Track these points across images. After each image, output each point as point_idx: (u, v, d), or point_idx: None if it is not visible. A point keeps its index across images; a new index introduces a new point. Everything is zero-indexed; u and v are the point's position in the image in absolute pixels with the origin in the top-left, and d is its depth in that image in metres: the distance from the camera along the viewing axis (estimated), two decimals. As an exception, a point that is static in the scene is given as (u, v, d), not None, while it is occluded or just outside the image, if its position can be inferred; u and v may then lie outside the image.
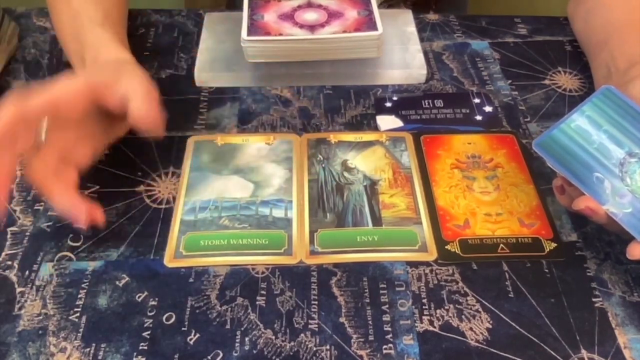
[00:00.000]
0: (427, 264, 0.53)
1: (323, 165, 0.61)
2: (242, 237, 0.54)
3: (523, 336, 0.48)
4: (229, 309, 0.49)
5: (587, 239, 0.55)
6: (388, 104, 0.68)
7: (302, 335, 0.48)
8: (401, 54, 0.72)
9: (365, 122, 0.66)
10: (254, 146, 0.62)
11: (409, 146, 0.63)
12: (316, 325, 0.48)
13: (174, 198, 0.57)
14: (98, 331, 0.48)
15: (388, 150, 0.62)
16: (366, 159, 0.61)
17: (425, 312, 0.49)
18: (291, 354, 0.47)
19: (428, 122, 0.65)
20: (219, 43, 0.73)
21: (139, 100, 0.53)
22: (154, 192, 0.58)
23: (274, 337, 0.48)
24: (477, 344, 0.47)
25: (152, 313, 0.49)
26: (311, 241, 0.54)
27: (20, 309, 0.49)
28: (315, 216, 0.56)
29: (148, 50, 0.75)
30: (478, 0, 1.15)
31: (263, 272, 0.52)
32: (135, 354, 0.46)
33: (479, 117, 0.66)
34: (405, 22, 0.76)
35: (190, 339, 0.47)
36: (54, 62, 0.73)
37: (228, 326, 0.48)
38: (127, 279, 0.51)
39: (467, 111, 0.67)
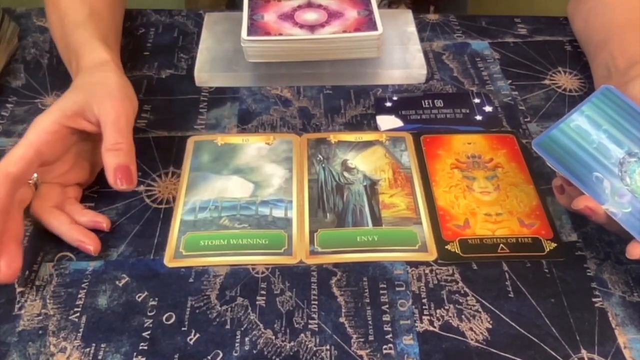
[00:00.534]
0: (427, 264, 0.53)
1: (323, 165, 0.61)
2: (242, 237, 0.54)
3: (523, 336, 0.48)
4: (229, 309, 0.49)
5: (587, 239, 0.55)
6: (388, 104, 0.68)
7: (302, 335, 0.48)
8: (401, 54, 0.72)
9: (365, 122, 0.66)
10: (254, 146, 0.62)
11: (409, 146, 0.63)
12: (316, 325, 0.48)
13: (174, 198, 0.57)
14: (98, 331, 0.48)
15: (388, 150, 0.62)
16: (366, 159, 0.61)
17: (425, 312, 0.49)
18: (291, 354, 0.47)
19: (428, 122, 0.65)
20: (219, 43, 0.73)
21: (108, 130, 0.53)
22: (154, 192, 0.58)
23: (274, 337, 0.48)
24: (477, 344, 0.47)
25: (152, 313, 0.49)
26: (311, 241, 0.54)
27: (20, 309, 0.49)
28: (315, 216, 0.56)
29: (148, 50, 0.75)
30: (478, 0, 1.15)
31: (263, 272, 0.52)
32: (135, 354, 0.46)
33: (479, 117, 0.66)
34: (405, 22, 0.77)
35: (190, 339, 0.47)
36: (54, 62, 0.73)
37: (228, 326, 0.48)
38: (127, 279, 0.51)
39: (467, 111, 0.67)
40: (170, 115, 0.66)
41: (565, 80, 0.71)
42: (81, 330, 0.48)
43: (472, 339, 0.48)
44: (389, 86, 0.70)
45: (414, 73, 0.70)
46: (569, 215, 0.56)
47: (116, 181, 0.52)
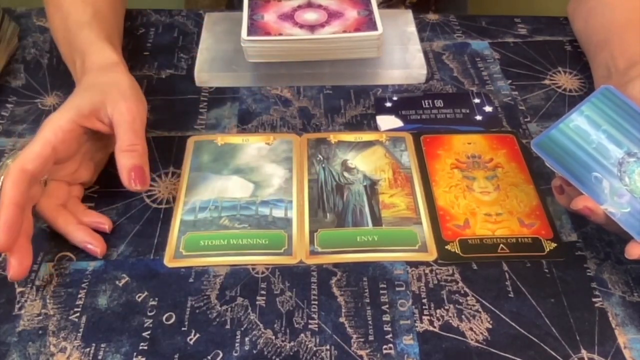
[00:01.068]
0: (427, 264, 0.53)
1: (323, 165, 0.61)
2: (242, 237, 0.54)
3: (523, 336, 0.48)
4: (229, 309, 0.49)
5: (587, 239, 0.55)
6: (388, 104, 0.68)
7: (302, 335, 0.48)
8: (401, 54, 0.72)
9: (365, 122, 0.66)
10: (254, 146, 0.62)
11: (409, 146, 0.63)
12: (316, 325, 0.48)
13: (174, 198, 0.58)
14: (98, 331, 0.48)
15: (388, 150, 0.62)
16: (366, 159, 0.61)
17: (425, 312, 0.49)
18: (291, 354, 0.47)
19: (428, 122, 0.66)
20: (219, 43, 0.73)
21: (123, 131, 0.53)
22: (153, 192, 0.58)
23: (274, 337, 0.48)
24: (477, 344, 0.47)
25: (152, 313, 0.49)
26: (311, 241, 0.54)
27: (20, 309, 0.49)
28: (315, 216, 0.56)
29: (148, 50, 0.75)
30: (478, 0, 1.15)
31: (263, 272, 0.52)
32: (135, 354, 0.46)
33: (479, 117, 0.66)
34: (405, 22, 0.76)
35: (190, 339, 0.47)
36: (54, 62, 0.73)
37: (228, 326, 0.48)
38: (127, 278, 0.51)
39: (467, 111, 0.67)
40: (170, 115, 0.66)
41: (565, 80, 0.71)
42: (81, 330, 0.48)
43: (472, 339, 0.48)
44: (389, 86, 0.70)
45: (414, 73, 0.70)
46: (569, 215, 0.56)
47: (130, 182, 0.52)
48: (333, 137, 0.63)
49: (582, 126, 0.50)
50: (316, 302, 0.50)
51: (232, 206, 0.57)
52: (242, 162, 0.61)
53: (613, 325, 0.49)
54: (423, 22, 0.80)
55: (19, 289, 0.50)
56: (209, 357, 0.46)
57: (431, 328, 0.48)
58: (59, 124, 0.51)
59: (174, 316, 0.49)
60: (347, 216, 0.56)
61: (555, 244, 0.54)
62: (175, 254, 0.53)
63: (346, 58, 0.69)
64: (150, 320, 0.49)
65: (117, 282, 0.51)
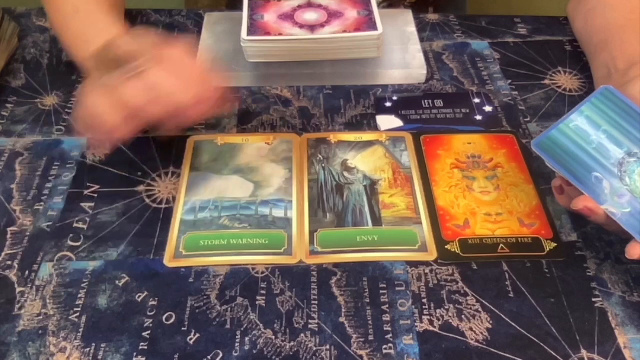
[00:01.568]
0: (427, 263, 0.53)
1: (323, 165, 0.61)
2: (242, 237, 0.54)
3: (523, 336, 0.48)
4: (229, 309, 0.49)
5: (587, 239, 0.55)
6: (388, 104, 0.68)
7: (302, 335, 0.48)
8: (401, 54, 0.72)
9: (365, 122, 0.66)
10: (254, 146, 0.62)
11: (409, 146, 0.63)
12: (316, 325, 0.48)
13: (174, 198, 0.57)
14: (98, 331, 0.48)
15: (388, 150, 0.62)
16: (366, 159, 0.61)
17: (425, 312, 0.49)
18: (291, 354, 0.47)
19: (428, 122, 0.65)
20: (219, 43, 0.73)
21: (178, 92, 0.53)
22: (154, 192, 0.58)
23: (274, 337, 0.48)
24: (477, 344, 0.47)
25: (152, 313, 0.49)
26: (311, 241, 0.54)
27: (20, 309, 0.49)
28: (315, 216, 0.56)
29: (148, 50, 0.75)
30: (478, 0, 1.15)
31: (263, 272, 0.52)
32: (135, 354, 0.46)
33: (479, 117, 0.66)
34: (405, 22, 0.76)
35: (190, 339, 0.47)
36: (54, 62, 0.73)
37: (228, 326, 0.48)
38: (127, 278, 0.51)
39: (467, 111, 0.67)
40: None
41: (565, 80, 0.71)
42: (81, 330, 0.48)
43: (472, 339, 0.48)
44: (389, 86, 0.70)
45: (414, 73, 0.70)
46: (569, 215, 0.56)
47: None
48: (333, 137, 0.63)
49: (582, 126, 0.50)
50: (316, 302, 0.50)
51: (232, 206, 0.57)
52: (242, 162, 0.61)
53: (613, 325, 0.49)
54: (423, 22, 0.79)
55: (19, 289, 0.50)
56: (209, 357, 0.46)
57: (431, 328, 0.48)
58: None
59: (174, 316, 0.49)
60: (347, 216, 0.56)
61: (556, 244, 0.54)
62: (175, 254, 0.53)
63: (346, 58, 0.69)
64: (150, 320, 0.49)
65: (117, 282, 0.51)
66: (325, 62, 0.70)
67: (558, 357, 0.47)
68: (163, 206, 0.57)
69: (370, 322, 0.49)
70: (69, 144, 0.63)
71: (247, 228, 0.55)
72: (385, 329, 0.48)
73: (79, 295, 0.50)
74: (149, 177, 0.59)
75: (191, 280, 0.51)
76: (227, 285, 0.51)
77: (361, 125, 0.65)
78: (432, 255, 0.53)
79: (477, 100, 0.68)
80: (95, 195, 0.58)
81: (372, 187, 0.59)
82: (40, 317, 0.49)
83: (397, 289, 0.51)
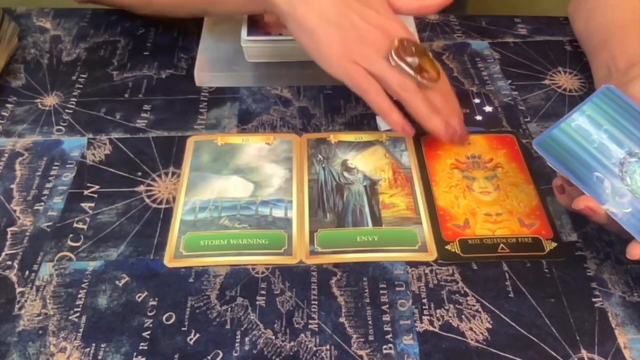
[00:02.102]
0: (427, 264, 0.53)
1: (323, 165, 0.61)
2: (242, 237, 0.54)
3: (523, 336, 0.48)
4: (229, 309, 0.49)
5: (587, 239, 0.55)
6: (388, 104, 0.67)
7: (302, 335, 0.48)
8: (401, 54, 0.71)
9: (365, 122, 0.66)
10: (254, 146, 0.62)
11: (409, 146, 0.63)
12: (316, 325, 0.48)
13: (174, 198, 0.57)
14: (98, 331, 0.48)
15: (388, 150, 0.62)
16: (366, 159, 0.61)
17: (425, 312, 0.49)
18: (291, 354, 0.47)
19: (428, 122, 0.65)
20: (219, 43, 0.73)
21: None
22: (154, 192, 0.58)
23: (274, 337, 0.48)
24: (477, 344, 0.47)
25: (152, 313, 0.49)
26: (311, 241, 0.54)
27: (20, 309, 0.49)
28: (315, 216, 0.56)
29: (148, 50, 0.75)
30: (478, 0, 1.15)
31: (263, 272, 0.52)
32: (135, 354, 0.46)
33: (479, 117, 0.66)
34: (405, 22, 0.76)
35: (190, 339, 0.47)
36: (54, 62, 0.73)
37: (228, 326, 0.48)
38: (127, 279, 0.51)
39: (467, 111, 0.67)
40: (170, 115, 0.66)
41: (565, 80, 0.71)
42: (81, 330, 0.48)
43: (472, 339, 0.48)
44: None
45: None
46: (569, 215, 0.56)
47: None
48: (333, 137, 0.63)
49: (584, 126, 0.50)
50: (316, 302, 0.50)
51: (232, 206, 0.57)
52: (242, 162, 0.61)
53: (613, 325, 0.49)
54: (423, 22, 0.79)
55: (19, 289, 0.50)
56: (209, 357, 0.46)
57: (431, 328, 0.48)
58: None
59: (174, 316, 0.49)
60: (347, 216, 0.56)
61: (556, 244, 0.54)
62: (175, 254, 0.53)
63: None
64: (150, 320, 0.49)
65: (117, 282, 0.51)
66: (325, 62, 0.69)
67: (558, 357, 0.47)
68: (163, 206, 0.57)
69: (370, 322, 0.49)
70: (69, 144, 0.63)
71: (247, 228, 0.55)
72: (385, 329, 0.48)
73: (79, 295, 0.50)
74: (149, 177, 0.59)
75: (191, 280, 0.51)
76: (227, 285, 0.51)
77: (361, 125, 0.65)
78: (432, 255, 0.53)
79: (477, 100, 0.68)
80: (95, 195, 0.58)
81: (372, 187, 0.59)
82: (40, 317, 0.49)
83: (397, 289, 0.51)
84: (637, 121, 0.49)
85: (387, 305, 0.50)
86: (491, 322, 0.49)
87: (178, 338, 0.47)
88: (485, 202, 0.57)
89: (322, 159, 0.61)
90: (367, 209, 0.57)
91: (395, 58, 0.56)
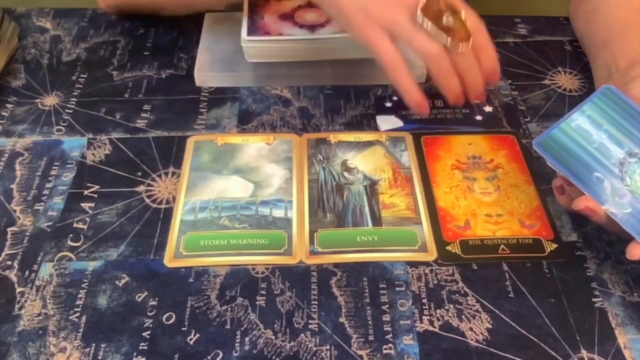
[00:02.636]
0: (427, 264, 0.53)
1: (323, 165, 0.61)
2: (242, 237, 0.54)
3: (523, 336, 0.48)
4: (229, 309, 0.49)
5: (587, 239, 0.55)
6: (388, 104, 0.68)
7: (302, 335, 0.48)
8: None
9: (365, 122, 0.66)
10: (254, 146, 0.62)
11: (409, 146, 0.63)
12: (316, 325, 0.48)
13: (174, 198, 0.57)
14: (98, 331, 0.48)
15: (388, 150, 0.62)
16: (366, 159, 0.61)
17: (425, 312, 0.49)
18: (291, 354, 0.47)
19: (428, 122, 0.65)
20: (219, 43, 0.73)
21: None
22: (154, 192, 0.58)
23: (274, 337, 0.48)
24: (477, 344, 0.47)
25: (152, 313, 0.49)
26: (311, 241, 0.54)
27: (20, 309, 0.49)
28: (315, 216, 0.56)
29: (148, 50, 0.75)
30: (478, 0, 1.15)
31: (263, 272, 0.52)
32: (135, 354, 0.46)
33: (479, 117, 0.66)
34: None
35: (190, 339, 0.47)
36: (54, 62, 0.73)
37: (228, 326, 0.48)
38: (127, 279, 0.51)
39: (467, 111, 0.67)
40: (170, 115, 0.66)
41: (565, 80, 0.71)
42: (81, 330, 0.48)
43: (472, 339, 0.48)
44: (389, 86, 0.70)
45: (414, 73, 0.70)
46: (569, 215, 0.56)
47: None
48: (333, 137, 0.63)
49: (584, 126, 0.50)
50: (316, 302, 0.50)
51: (232, 206, 0.57)
52: (242, 162, 0.61)
53: (613, 325, 0.49)
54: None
55: (19, 289, 0.50)
56: (209, 357, 0.46)
57: (431, 328, 0.48)
58: None
59: (174, 316, 0.49)
60: (347, 216, 0.56)
61: (556, 245, 0.54)
62: (175, 254, 0.53)
63: (346, 58, 0.69)
64: (150, 320, 0.49)
65: (117, 282, 0.51)
66: (325, 62, 0.69)
67: (558, 357, 0.47)
68: (163, 206, 0.57)
69: (370, 322, 0.49)
70: (69, 144, 0.63)
71: (247, 228, 0.55)
72: (385, 329, 0.48)
73: (79, 295, 0.50)
74: (149, 177, 0.59)
75: (191, 280, 0.51)
76: (227, 285, 0.51)
77: (361, 125, 0.65)
78: (432, 255, 0.53)
79: (477, 100, 0.68)
80: (95, 195, 0.58)
81: (372, 187, 0.59)
82: (40, 317, 0.49)
83: (397, 289, 0.51)
84: (637, 121, 0.49)
85: (387, 305, 0.50)
86: (491, 322, 0.49)
87: (178, 338, 0.47)
88: (486, 202, 0.57)
89: (322, 159, 0.61)
90: (367, 209, 0.57)
91: (422, 18, 0.53)
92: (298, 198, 0.57)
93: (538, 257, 0.53)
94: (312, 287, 0.51)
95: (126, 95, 0.68)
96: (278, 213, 0.56)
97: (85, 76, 0.71)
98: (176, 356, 0.46)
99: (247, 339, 0.48)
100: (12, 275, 0.51)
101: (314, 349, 0.47)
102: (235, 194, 0.58)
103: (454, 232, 0.55)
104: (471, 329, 0.48)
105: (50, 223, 0.55)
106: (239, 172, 0.60)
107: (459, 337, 0.48)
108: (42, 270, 0.52)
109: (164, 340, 0.47)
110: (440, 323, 0.49)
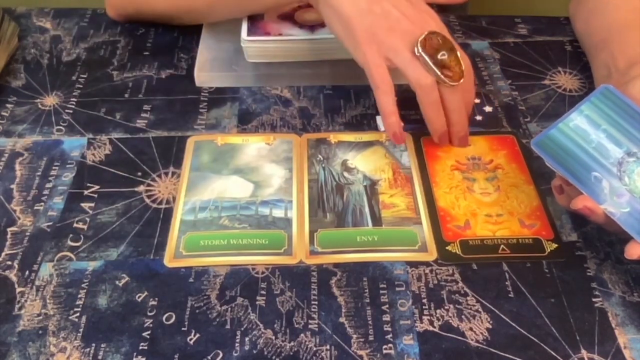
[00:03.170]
0: (427, 264, 0.53)
1: (323, 165, 0.61)
2: (242, 237, 0.54)
3: (523, 336, 0.48)
4: (229, 309, 0.49)
5: (587, 239, 0.55)
6: (388, 104, 0.67)
7: (302, 335, 0.48)
8: (401, 54, 0.71)
9: (365, 122, 0.66)
10: (254, 146, 0.62)
11: (409, 146, 0.63)
12: (316, 325, 0.48)
13: (174, 198, 0.58)
14: (98, 331, 0.48)
15: (388, 150, 0.62)
16: (366, 159, 0.61)
17: (425, 312, 0.49)
18: (291, 354, 0.47)
19: (428, 122, 0.65)
20: (219, 43, 0.73)
21: None
22: (154, 192, 0.58)
23: (274, 337, 0.48)
24: (477, 344, 0.47)
25: (152, 313, 0.49)
26: (311, 241, 0.54)
27: (20, 309, 0.49)
28: (315, 216, 0.56)
29: (148, 50, 0.75)
30: (478, 0, 1.15)
31: (263, 272, 0.52)
32: (135, 354, 0.46)
33: (479, 117, 0.66)
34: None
35: (190, 339, 0.47)
36: (54, 62, 0.73)
37: (228, 326, 0.48)
38: (127, 279, 0.51)
39: (467, 111, 0.67)
40: (170, 115, 0.66)
41: (565, 80, 0.71)
42: (81, 330, 0.48)
43: (472, 339, 0.48)
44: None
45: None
46: (569, 215, 0.56)
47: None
48: (333, 137, 0.63)
49: (582, 126, 0.50)
50: (316, 302, 0.50)
51: (232, 206, 0.57)
52: (242, 162, 0.61)
53: (613, 325, 0.49)
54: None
55: (19, 289, 0.50)
56: (209, 357, 0.46)
57: (431, 328, 0.48)
58: None
59: (174, 316, 0.49)
60: (347, 216, 0.56)
61: (556, 245, 0.54)
62: (175, 254, 0.53)
63: (346, 58, 0.69)
64: (150, 320, 0.49)
65: (117, 282, 0.51)
66: (325, 62, 0.70)
67: (558, 357, 0.47)
68: (163, 206, 0.57)
69: (370, 322, 0.49)
70: (69, 144, 0.63)
71: (247, 228, 0.55)
72: (385, 329, 0.48)
73: (79, 295, 0.50)
74: (149, 177, 0.59)
75: (191, 280, 0.51)
76: (227, 285, 0.51)
77: (361, 125, 0.65)
78: (432, 255, 0.53)
79: (477, 101, 0.68)
80: (95, 195, 0.58)
81: (372, 187, 0.59)
82: (40, 317, 0.49)
83: (397, 289, 0.51)
84: (636, 121, 0.49)
85: (387, 305, 0.50)
86: (491, 322, 0.49)
87: (178, 338, 0.48)
88: (486, 203, 0.57)
89: (322, 159, 0.61)
90: (367, 209, 0.57)
91: (420, 50, 0.56)
92: (298, 198, 0.57)
93: (538, 257, 0.53)
94: (312, 287, 0.51)
95: (126, 95, 0.68)
96: (278, 213, 0.56)
97: (85, 76, 0.71)
98: (176, 356, 0.46)
99: (247, 339, 0.48)
100: (12, 275, 0.51)
101: (314, 349, 0.47)
102: (235, 194, 0.58)
103: (454, 232, 0.55)
104: (471, 329, 0.48)
105: (50, 223, 0.55)
106: (239, 172, 0.60)
107: (459, 337, 0.48)
108: (42, 270, 0.52)
109: (164, 340, 0.47)
110: (440, 323, 0.49)
